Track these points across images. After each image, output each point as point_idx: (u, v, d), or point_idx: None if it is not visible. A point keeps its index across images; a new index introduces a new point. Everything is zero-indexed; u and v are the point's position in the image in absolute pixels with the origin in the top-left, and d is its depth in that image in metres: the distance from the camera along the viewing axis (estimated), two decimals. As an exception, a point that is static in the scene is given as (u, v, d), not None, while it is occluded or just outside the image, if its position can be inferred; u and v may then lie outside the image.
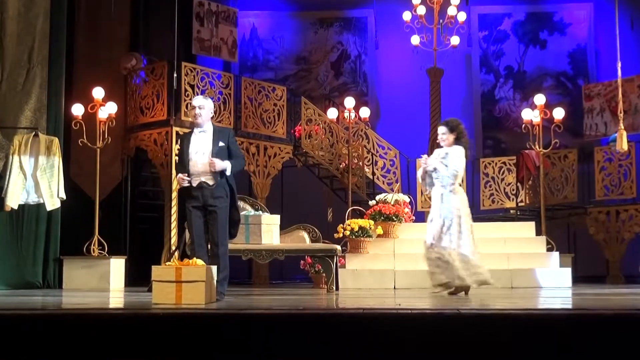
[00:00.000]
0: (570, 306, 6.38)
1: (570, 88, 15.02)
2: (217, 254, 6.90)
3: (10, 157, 9.75)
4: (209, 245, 7.02)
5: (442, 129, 7.93)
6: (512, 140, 14.55)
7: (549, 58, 15.21)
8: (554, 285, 9.52)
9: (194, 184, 6.97)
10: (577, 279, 10.80)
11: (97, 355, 4.83)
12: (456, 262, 7.57)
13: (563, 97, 14.73)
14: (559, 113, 10.94)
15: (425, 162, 7.85)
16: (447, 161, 7.77)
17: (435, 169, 7.80)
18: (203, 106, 7.03)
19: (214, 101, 7.42)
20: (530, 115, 11.06)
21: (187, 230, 8.51)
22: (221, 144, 7.02)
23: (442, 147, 7.91)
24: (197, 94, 11.49)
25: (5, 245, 9.90)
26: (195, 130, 7.09)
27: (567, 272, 9.87)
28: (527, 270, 9.75)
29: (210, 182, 6.95)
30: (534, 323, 4.83)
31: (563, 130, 11.03)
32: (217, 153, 6.96)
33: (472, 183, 13.09)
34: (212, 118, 7.21)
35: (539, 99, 10.97)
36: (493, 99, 15.32)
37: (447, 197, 7.72)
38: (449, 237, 7.63)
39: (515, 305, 6.13)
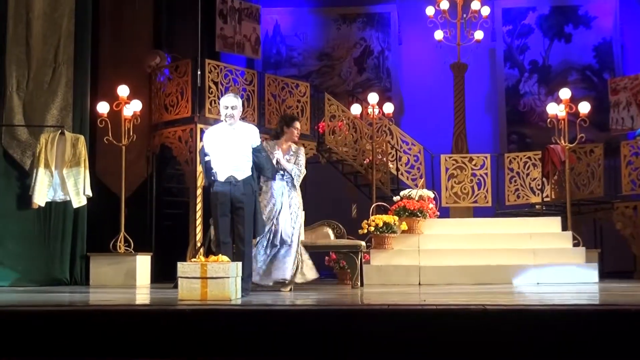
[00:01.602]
0: (597, 302, 6.33)
1: (595, 82, 14.89)
2: (243, 251, 6.92)
3: (37, 155, 9.84)
4: (235, 243, 7.04)
5: (299, 125, 8.56)
6: (537, 135, 14.44)
7: (574, 52, 15.09)
8: (580, 281, 9.46)
9: (222, 179, 7.00)
10: (604, 275, 10.72)
11: (124, 351, 4.87)
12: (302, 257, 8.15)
13: (588, 91, 14.60)
14: (584, 107, 10.85)
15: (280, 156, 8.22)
16: (297, 160, 8.35)
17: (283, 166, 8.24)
18: (236, 106, 7.01)
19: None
20: (555, 110, 10.98)
21: (212, 226, 8.62)
22: (249, 143, 7.06)
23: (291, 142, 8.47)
24: (221, 91, 11.54)
25: (32, 242, 10.00)
26: (224, 125, 7.10)
27: (594, 267, 9.79)
28: (553, 265, 9.69)
29: (239, 177, 6.97)
30: (560, 319, 4.80)
31: (589, 125, 10.92)
32: (244, 153, 7.01)
33: (497, 178, 13.02)
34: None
35: (564, 93, 10.88)
36: (518, 94, 15.22)
37: (292, 193, 8.23)
38: (298, 232, 8.11)
39: (541, 301, 6.10)
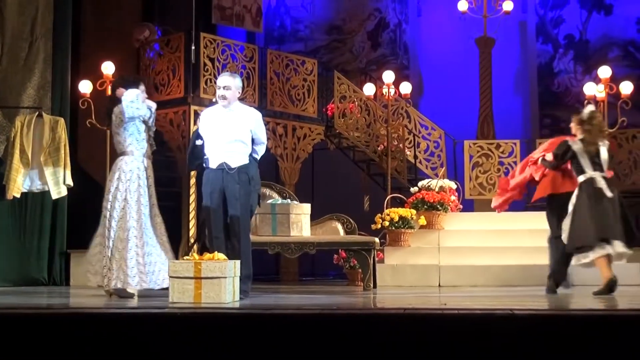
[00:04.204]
0: (639, 306, 6.32)
1: (639, 59, 14.84)
2: (238, 247, 6.93)
3: (12, 140, 9.85)
4: (229, 239, 7.06)
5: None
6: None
7: (615, 25, 15.02)
8: (620, 283, 9.42)
9: (213, 166, 7.04)
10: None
11: (108, 359, 4.89)
12: None
13: (631, 70, 14.54)
14: (626, 87, 10.82)
15: None
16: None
17: None
18: (229, 86, 7.04)
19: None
20: (593, 90, 10.95)
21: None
22: (247, 127, 7.06)
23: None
24: (218, 69, 11.55)
25: (6, 238, 10.02)
26: (220, 107, 7.13)
27: (636, 268, 9.78)
28: (590, 266, 9.67)
29: (232, 165, 6.99)
30: (598, 325, 4.79)
31: (631, 107, 10.90)
32: (240, 138, 7.01)
33: (528, 167, 12.98)
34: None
35: (604, 71, 10.85)
36: (551, 72, 15.18)
37: None
38: None
39: (575, 305, 6.10)
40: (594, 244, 7.64)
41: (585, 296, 7.50)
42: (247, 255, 7.05)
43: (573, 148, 7.81)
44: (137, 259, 7.23)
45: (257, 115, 7.22)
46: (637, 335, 4.71)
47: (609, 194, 7.63)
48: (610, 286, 7.59)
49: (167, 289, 7.19)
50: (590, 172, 7.72)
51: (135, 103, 7.38)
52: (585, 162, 7.75)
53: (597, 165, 7.73)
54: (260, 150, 7.25)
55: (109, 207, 7.39)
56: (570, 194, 7.87)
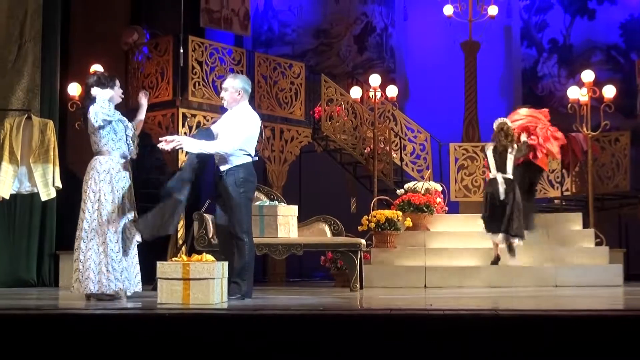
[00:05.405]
0: (621, 307, 6.35)
1: (622, 63, 14.90)
2: (239, 247, 6.93)
3: (1, 142, 9.81)
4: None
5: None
6: (557, 122, 14.39)
7: (599, 30, 15.09)
8: (603, 284, 9.48)
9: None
10: (629, 277, 10.75)
11: (97, 360, 4.88)
12: None
13: (614, 73, 14.61)
14: (609, 91, 10.86)
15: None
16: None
17: None
18: (226, 87, 7.10)
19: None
20: (577, 94, 10.99)
21: (195, 222, 8.67)
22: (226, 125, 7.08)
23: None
24: (206, 72, 11.57)
25: (-5, 239, 10.01)
26: None
27: (618, 269, 9.82)
28: (573, 266, 9.72)
29: (222, 168, 7.00)
30: (581, 326, 4.81)
31: (614, 111, 10.93)
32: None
33: (512, 170, 13.02)
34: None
35: (587, 75, 10.89)
36: (535, 76, 15.23)
37: None
38: None
39: (560, 306, 6.12)
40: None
41: (571, 297, 7.53)
42: (248, 253, 7.04)
43: (486, 152, 9.80)
44: (113, 264, 7.11)
45: (239, 113, 7.13)
46: (618, 335, 4.73)
47: (502, 196, 9.42)
48: (494, 262, 9.61)
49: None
50: (494, 173, 9.59)
51: (105, 109, 7.18)
52: (492, 164, 9.63)
53: (499, 167, 9.54)
54: (213, 145, 6.92)
55: (83, 207, 7.28)
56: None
